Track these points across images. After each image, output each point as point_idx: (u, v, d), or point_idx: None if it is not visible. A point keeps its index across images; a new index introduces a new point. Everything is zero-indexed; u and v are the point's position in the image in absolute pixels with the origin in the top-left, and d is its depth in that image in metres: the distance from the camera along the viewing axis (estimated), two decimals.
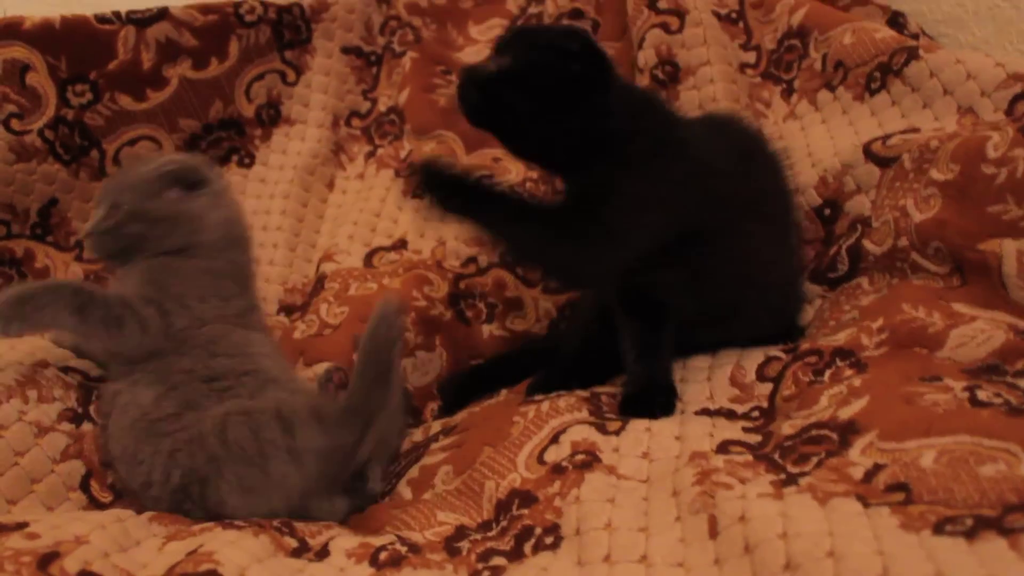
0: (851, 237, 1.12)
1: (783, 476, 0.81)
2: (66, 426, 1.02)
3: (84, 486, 1.01)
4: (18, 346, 1.10)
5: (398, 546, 0.89)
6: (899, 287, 1.04)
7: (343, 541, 0.91)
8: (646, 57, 1.43)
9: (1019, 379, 0.86)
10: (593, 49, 1.04)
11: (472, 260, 1.47)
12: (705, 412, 1.04)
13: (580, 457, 0.94)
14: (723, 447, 0.90)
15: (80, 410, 1.05)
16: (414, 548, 0.89)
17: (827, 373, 0.98)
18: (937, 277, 1.03)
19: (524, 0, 1.69)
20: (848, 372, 0.96)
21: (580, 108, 1.02)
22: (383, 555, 0.87)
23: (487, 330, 1.42)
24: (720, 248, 1.06)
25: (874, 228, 1.09)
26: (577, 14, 1.60)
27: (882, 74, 1.23)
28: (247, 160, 1.66)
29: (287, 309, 1.52)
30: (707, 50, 1.39)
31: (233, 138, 1.66)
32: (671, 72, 1.41)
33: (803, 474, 0.80)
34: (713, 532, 0.76)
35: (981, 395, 0.83)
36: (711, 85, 1.37)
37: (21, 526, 0.81)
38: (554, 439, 1.00)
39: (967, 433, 0.76)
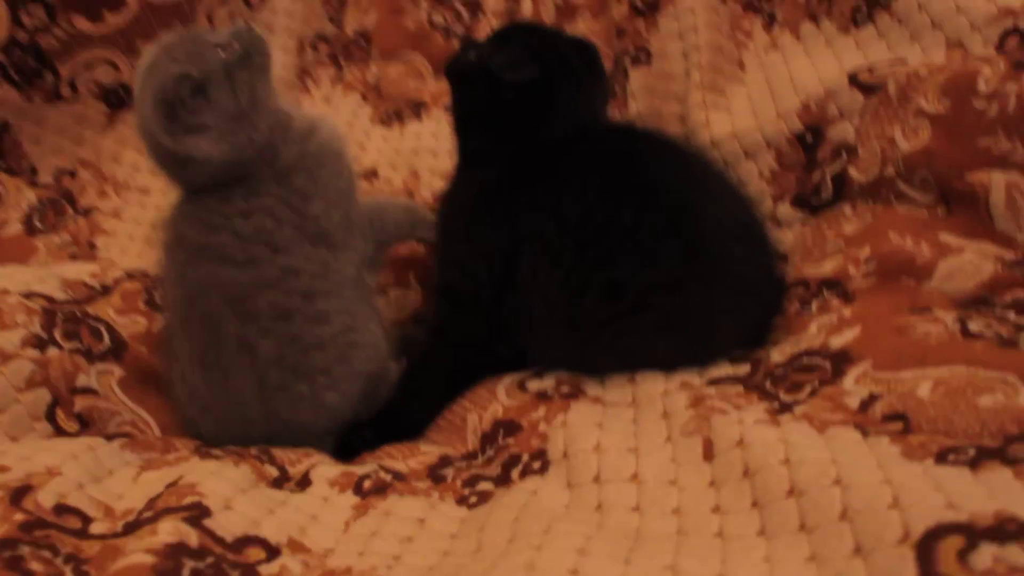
0: (836, 164, 1.10)
1: (776, 404, 0.81)
2: (31, 352, 0.97)
3: (50, 416, 0.96)
4: None
5: (382, 474, 0.88)
6: (884, 215, 1.02)
7: (324, 470, 0.89)
8: None
9: (1008, 311, 0.86)
10: (546, 81, 1.04)
11: None
12: None
13: (565, 388, 0.94)
14: (713, 382, 0.90)
15: (45, 335, 0.99)
16: (398, 476, 0.88)
17: (814, 304, 0.97)
18: (922, 207, 1.01)
19: None
20: (836, 302, 0.95)
21: (502, 125, 1.06)
22: (367, 483, 0.86)
23: None
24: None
25: (860, 156, 1.07)
26: None
27: (868, 6, 1.21)
28: None
29: None
30: None
31: None
32: (652, 1, 1.38)
33: (797, 403, 0.80)
34: (708, 455, 0.76)
35: (972, 327, 0.83)
36: (692, 15, 1.33)
37: None
38: (537, 373, 0.99)
39: (963, 363, 0.76)
